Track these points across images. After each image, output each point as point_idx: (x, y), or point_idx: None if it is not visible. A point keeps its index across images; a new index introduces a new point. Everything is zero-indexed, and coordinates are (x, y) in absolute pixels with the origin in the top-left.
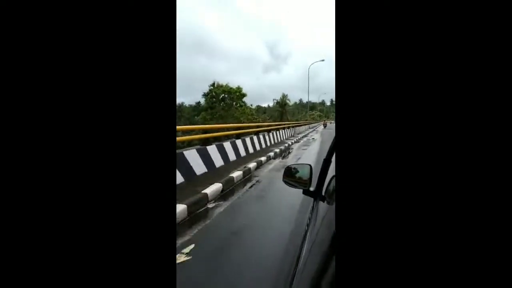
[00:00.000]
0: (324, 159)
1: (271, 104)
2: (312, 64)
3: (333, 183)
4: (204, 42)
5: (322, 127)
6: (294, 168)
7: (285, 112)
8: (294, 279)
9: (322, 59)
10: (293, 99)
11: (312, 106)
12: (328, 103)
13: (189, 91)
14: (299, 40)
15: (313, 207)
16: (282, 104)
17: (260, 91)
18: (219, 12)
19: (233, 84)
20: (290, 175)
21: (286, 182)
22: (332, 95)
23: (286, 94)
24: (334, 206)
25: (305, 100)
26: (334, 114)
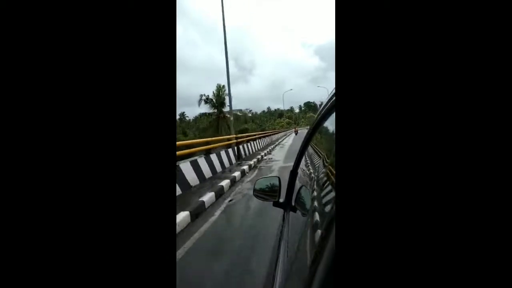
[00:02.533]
0: (291, 171)
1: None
2: (284, 92)
3: (303, 193)
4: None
5: (293, 134)
6: (264, 182)
7: (224, 118)
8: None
9: (290, 88)
10: (261, 108)
11: (280, 114)
12: (296, 110)
13: None
14: (262, 49)
15: (283, 218)
16: (218, 102)
17: (226, 101)
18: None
19: (196, 96)
20: (260, 189)
21: (256, 196)
22: (301, 103)
23: (222, 85)
24: (307, 217)
25: (273, 108)
26: (303, 120)
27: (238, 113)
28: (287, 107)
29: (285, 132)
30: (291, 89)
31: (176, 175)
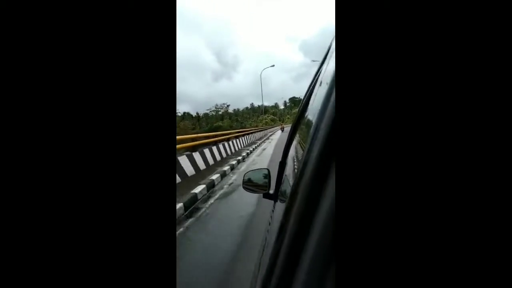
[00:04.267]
0: (280, 162)
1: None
2: (263, 69)
3: (285, 182)
4: None
5: (279, 131)
6: (252, 174)
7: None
8: (258, 277)
9: (272, 64)
10: (244, 105)
11: (264, 110)
12: (281, 106)
13: None
14: (246, 46)
15: (273, 209)
16: None
17: (211, 100)
18: None
19: (183, 93)
20: (250, 181)
21: (246, 188)
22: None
23: None
24: (284, 203)
25: (256, 105)
26: (288, 117)
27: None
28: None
29: (270, 130)
30: (273, 65)
31: None
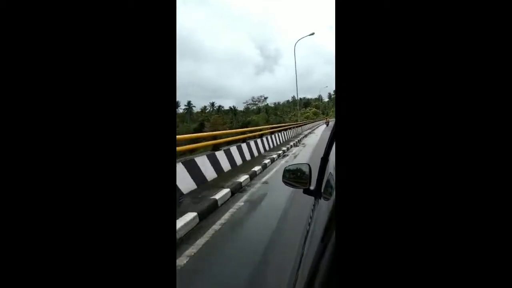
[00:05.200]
0: (322, 158)
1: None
2: (299, 39)
3: (331, 179)
4: (188, 44)
5: (324, 126)
6: (293, 169)
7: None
8: (297, 280)
9: (312, 32)
10: (286, 98)
11: (306, 103)
12: (326, 99)
13: (179, 98)
14: (289, 40)
15: (314, 206)
16: None
17: (253, 93)
18: (199, 10)
19: (224, 88)
20: (290, 176)
21: (286, 183)
22: (330, 90)
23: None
24: (328, 201)
25: (298, 98)
26: (333, 110)
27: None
28: (315, 96)
29: (309, 126)
30: (313, 33)
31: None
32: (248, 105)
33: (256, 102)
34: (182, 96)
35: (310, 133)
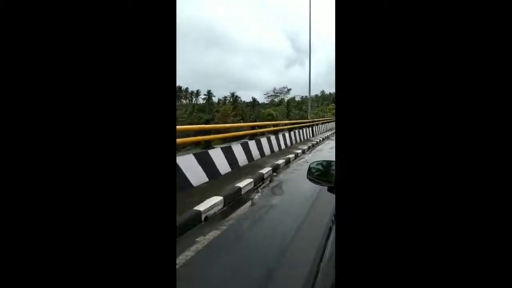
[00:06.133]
0: None
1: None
2: None
3: None
4: (214, 34)
5: None
6: (318, 165)
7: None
8: (317, 277)
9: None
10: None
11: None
12: None
13: (203, 88)
14: (321, 32)
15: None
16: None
17: (281, 86)
18: (228, 1)
19: (253, 80)
20: (314, 172)
21: (310, 179)
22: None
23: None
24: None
25: (327, 92)
26: None
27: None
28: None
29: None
30: None
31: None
32: (269, 97)
33: (278, 94)
34: (208, 87)
35: (323, 140)
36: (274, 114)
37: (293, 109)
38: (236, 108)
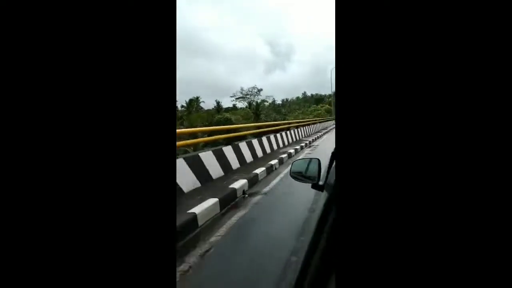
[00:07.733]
0: (332, 153)
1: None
2: None
3: (333, 172)
4: (198, 42)
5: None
6: (302, 163)
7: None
8: (307, 276)
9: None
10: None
11: (318, 99)
12: None
13: (187, 95)
14: (299, 35)
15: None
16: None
17: (264, 91)
18: (209, 9)
19: (236, 85)
20: (298, 170)
21: (294, 177)
22: None
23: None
24: (325, 193)
25: (309, 94)
26: None
27: (235, 98)
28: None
29: (320, 127)
30: None
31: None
32: (237, 99)
33: (247, 96)
34: (190, 94)
35: (305, 147)
36: (233, 119)
37: (272, 112)
38: (189, 115)
